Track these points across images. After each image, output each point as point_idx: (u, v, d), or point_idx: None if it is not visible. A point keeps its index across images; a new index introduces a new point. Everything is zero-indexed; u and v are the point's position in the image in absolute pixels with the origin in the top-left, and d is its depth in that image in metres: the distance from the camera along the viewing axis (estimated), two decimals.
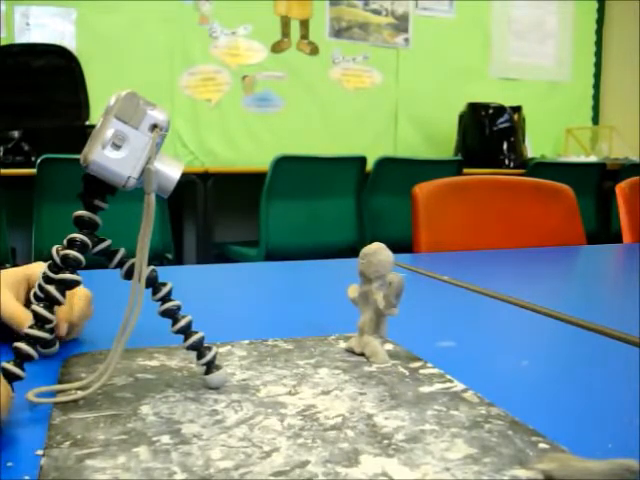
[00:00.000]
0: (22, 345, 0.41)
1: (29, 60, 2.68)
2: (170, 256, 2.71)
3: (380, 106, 3.93)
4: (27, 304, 0.52)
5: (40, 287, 0.45)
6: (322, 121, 3.79)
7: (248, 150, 3.57)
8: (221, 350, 0.53)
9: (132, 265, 0.43)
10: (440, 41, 4.03)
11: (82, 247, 0.42)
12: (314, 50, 3.80)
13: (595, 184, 3.45)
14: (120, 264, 0.44)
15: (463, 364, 0.52)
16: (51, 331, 0.43)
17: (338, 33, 3.84)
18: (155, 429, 0.38)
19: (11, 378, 0.40)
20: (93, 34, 3.26)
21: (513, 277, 1.00)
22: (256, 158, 3.40)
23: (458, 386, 0.46)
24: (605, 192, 3.37)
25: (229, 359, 0.51)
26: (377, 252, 0.52)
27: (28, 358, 0.41)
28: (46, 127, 2.63)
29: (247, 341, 0.56)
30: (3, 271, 0.55)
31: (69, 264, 0.42)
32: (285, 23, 3.73)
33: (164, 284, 0.45)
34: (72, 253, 0.42)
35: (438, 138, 4.01)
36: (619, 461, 0.31)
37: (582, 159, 3.80)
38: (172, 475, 0.33)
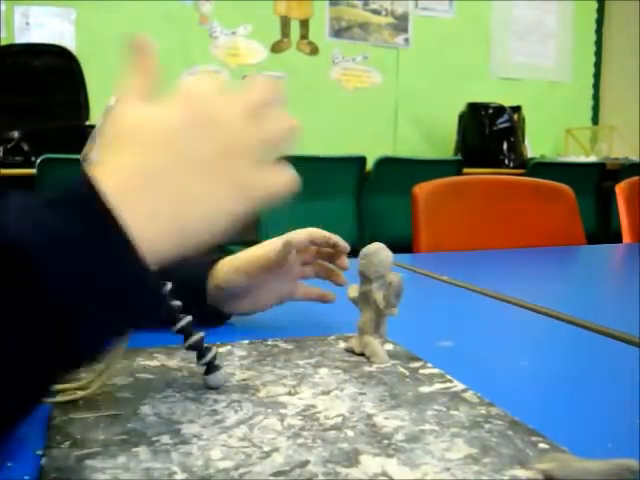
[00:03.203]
0: None
1: (29, 60, 2.68)
2: None
3: (380, 106, 3.93)
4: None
5: None
6: (322, 121, 3.78)
7: None
8: (221, 350, 0.53)
9: None
10: (440, 41, 4.03)
11: None
12: (314, 50, 3.80)
13: (595, 184, 3.44)
14: None
15: (463, 364, 0.52)
16: None
17: (338, 33, 3.84)
18: (155, 429, 0.38)
19: None
20: (93, 34, 3.26)
21: (513, 277, 1.00)
22: None
23: (458, 386, 0.46)
24: (605, 192, 3.36)
25: (229, 359, 0.51)
26: (377, 252, 0.52)
27: None
28: (46, 127, 2.63)
29: (247, 341, 0.56)
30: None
31: None
32: (285, 23, 3.73)
33: (164, 284, 0.45)
34: None
35: (438, 138, 4.01)
36: (619, 461, 0.31)
37: (582, 159, 3.80)
38: (172, 475, 0.33)
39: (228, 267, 0.62)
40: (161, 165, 0.35)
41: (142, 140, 0.36)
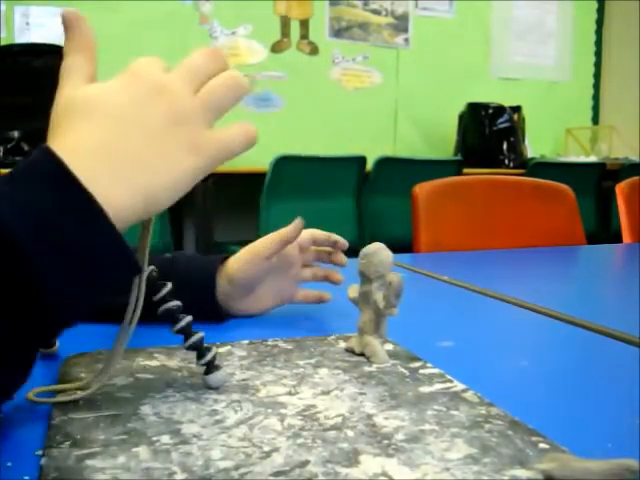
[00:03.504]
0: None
1: (29, 60, 2.67)
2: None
3: (380, 106, 3.93)
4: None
5: None
6: (322, 121, 3.78)
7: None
8: (221, 350, 0.53)
9: None
10: (440, 41, 4.03)
11: None
12: (314, 50, 3.80)
13: (595, 184, 3.45)
14: None
15: (463, 364, 0.52)
16: None
17: (338, 33, 3.84)
18: (155, 429, 0.38)
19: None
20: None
21: (513, 277, 1.00)
22: (256, 158, 3.39)
23: (458, 386, 0.46)
24: (605, 192, 3.36)
25: (229, 359, 0.51)
26: (377, 252, 0.52)
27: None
28: (46, 127, 2.62)
29: (247, 341, 0.56)
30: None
31: None
32: (285, 23, 3.73)
33: (164, 284, 0.45)
34: None
35: (438, 138, 4.01)
36: (619, 461, 0.31)
37: (582, 159, 3.80)
38: (172, 475, 0.33)
39: (238, 261, 0.64)
40: (117, 137, 0.37)
41: (96, 116, 0.38)
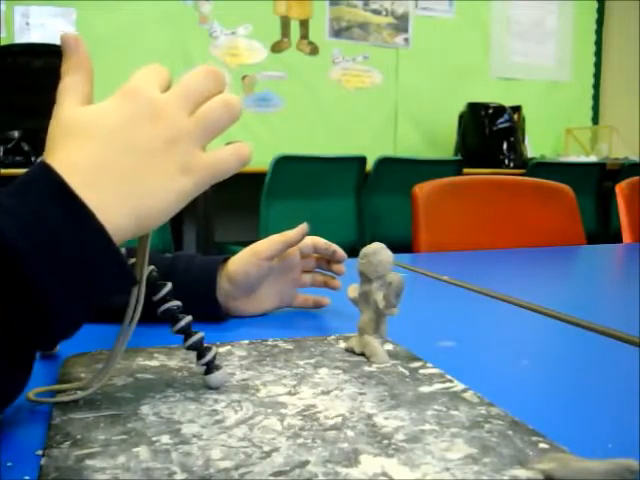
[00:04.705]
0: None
1: (29, 60, 2.67)
2: None
3: (380, 106, 3.93)
4: None
5: None
6: (322, 121, 3.78)
7: None
8: (221, 350, 0.53)
9: (132, 265, 0.43)
10: (440, 41, 4.03)
11: None
12: (314, 50, 3.80)
13: (595, 184, 3.45)
14: None
15: (463, 364, 0.52)
16: None
17: (338, 33, 3.84)
18: (155, 429, 0.38)
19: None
20: (93, 34, 3.26)
21: (513, 277, 1.00)
22: (256, 158, 3.37)
23: (458, 386, 0.46)
24: (605, 192, 3.36)
25: (229, 359, 0.51)
26: (377, 252, 0.52)
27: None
28: (46, 127, 2.62)
29: (247, 341, 0.56)
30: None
31: None
32: (285, 23, 3.73)
33: (164, 284, 0.45)
34: None
35: (438, 138, 4.01)
36: (619, 461, 0.31)
37: (582, 159, 3.80)
38: (172, 475, 0.33)
39: (239, 261, 0.64)
40: (110, 158, 0.38)
41: (89, 137, 0.38)
